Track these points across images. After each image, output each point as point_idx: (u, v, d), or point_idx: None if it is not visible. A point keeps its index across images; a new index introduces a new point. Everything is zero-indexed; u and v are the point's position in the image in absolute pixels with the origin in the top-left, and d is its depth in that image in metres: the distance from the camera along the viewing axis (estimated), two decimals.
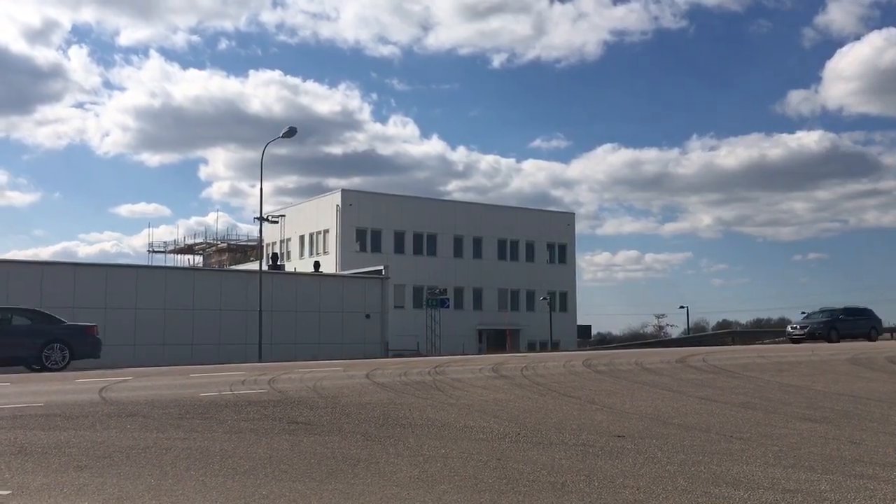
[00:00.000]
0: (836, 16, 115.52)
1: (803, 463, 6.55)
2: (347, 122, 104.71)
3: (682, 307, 74.30)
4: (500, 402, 10.60)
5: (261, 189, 35.28)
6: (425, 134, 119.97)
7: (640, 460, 6.65)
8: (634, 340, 69.06)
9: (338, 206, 55.06)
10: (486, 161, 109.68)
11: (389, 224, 56.34)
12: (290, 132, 33.37)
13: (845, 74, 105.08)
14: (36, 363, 19.42)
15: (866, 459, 6.72)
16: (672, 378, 13.64)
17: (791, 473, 6.15)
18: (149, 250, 64.20)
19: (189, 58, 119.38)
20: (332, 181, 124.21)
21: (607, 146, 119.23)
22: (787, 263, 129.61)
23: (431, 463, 6.57)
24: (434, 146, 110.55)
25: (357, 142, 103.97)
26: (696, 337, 62.19)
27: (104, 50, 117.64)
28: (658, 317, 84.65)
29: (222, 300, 36.70)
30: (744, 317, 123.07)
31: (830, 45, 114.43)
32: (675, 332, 75.43)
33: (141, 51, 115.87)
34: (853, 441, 7.62)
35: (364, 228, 55.76)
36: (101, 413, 9.56)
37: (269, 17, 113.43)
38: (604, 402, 10.57)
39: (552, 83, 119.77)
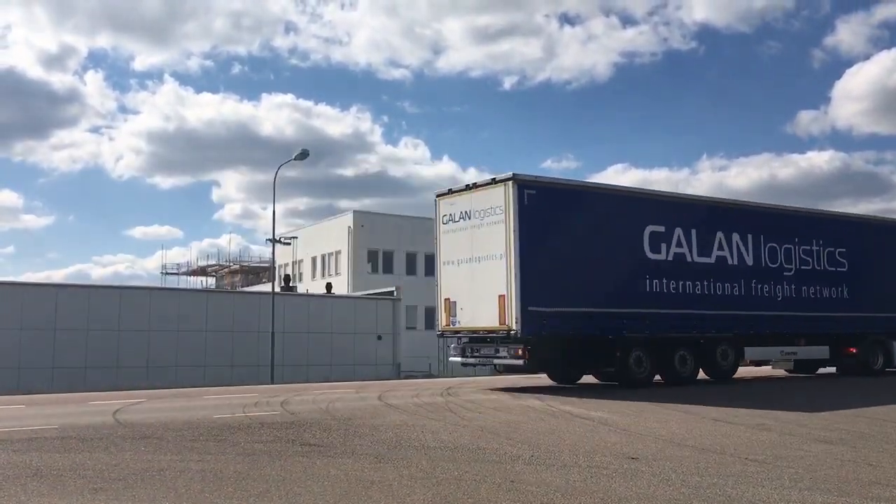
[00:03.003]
0: (845, 36, 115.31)
1: (820, 485, 6.50)
2: (359, 145, 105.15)
3: None
4: (513, 424, 10.58)
5: (273, 211, 35.46)
6: (436, 155, 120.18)
7: (654, 482, 6.62)
8: None
9: (350, 227, 55.22)
10: None
11: (401, 245, 56.40)
12: (303, 154, 33.49)
13: (854, 95, 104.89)
14: None
15: (884, 481, 6.66)
16: (686, 399, 13.57)
17: (807, 496, 6.11)
18: (162, 272, 64.50)
19: (203, 82, 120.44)
20: (344, 203, 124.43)
21: (618, 166, 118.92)
22: None
23: (445, 485, 6.55)
24: (445, 168, 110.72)
25: (368, 164, 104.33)
26: None
27: (119, 75, 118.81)
28: None
29: (235, 322, 36.77)
30: None
31: (839, 65, 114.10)
32: None
33: (155, 75, 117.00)
34: (870, 463, 7.56)
35: (376, 250, 55.84)
36: (115, 435, 9.60)
37: (281, 42, 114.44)
38: (617, 424, 10.53)
39: (562, 105, 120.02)
